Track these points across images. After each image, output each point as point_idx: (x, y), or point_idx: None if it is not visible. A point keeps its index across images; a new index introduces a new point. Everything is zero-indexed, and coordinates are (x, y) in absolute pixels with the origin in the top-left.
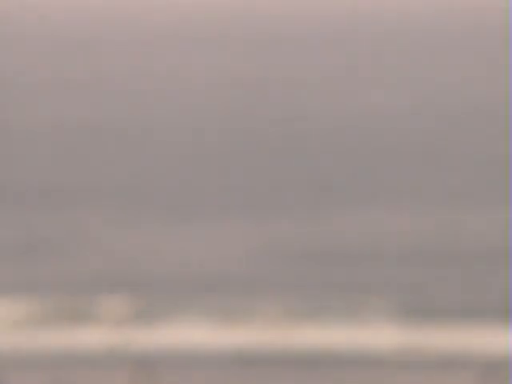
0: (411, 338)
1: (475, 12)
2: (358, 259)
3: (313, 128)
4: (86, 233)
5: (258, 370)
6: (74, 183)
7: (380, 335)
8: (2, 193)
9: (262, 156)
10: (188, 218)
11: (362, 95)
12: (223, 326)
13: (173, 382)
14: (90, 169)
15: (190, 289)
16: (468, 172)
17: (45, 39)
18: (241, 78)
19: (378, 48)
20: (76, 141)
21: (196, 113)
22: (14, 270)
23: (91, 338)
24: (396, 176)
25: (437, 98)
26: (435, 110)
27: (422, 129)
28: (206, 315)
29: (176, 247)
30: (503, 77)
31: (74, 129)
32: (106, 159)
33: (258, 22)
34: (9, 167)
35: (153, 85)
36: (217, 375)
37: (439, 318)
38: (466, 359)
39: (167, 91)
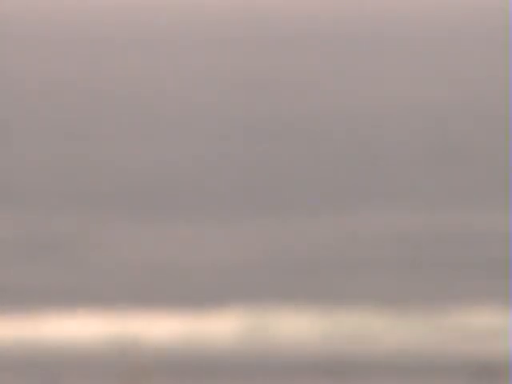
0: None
1: (475, 12)
2: (358, 264)
3: (313, 128)
4: (88, 235)
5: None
6: (77, 184)
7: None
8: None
9: (261, 157)
10: (192, 219)
11: (362, 95)
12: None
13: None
14: (90, 170)
15: (199, 292)
16: (469, 172)
17: (44, 40)
18: (241, 79)
19: (378, 48)
20: (76, 141)
21: (197, 113)
22: (16, 273)
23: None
24: (397, 177)
25: (437, 99)
26: (436, 111)
27: (422, 129)
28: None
29: (185, 249)
30: (503, 77)
31: (74, 130)
32: (106, 160)
33: (258, 23)
34: (9, 168)
35: (153, 85)
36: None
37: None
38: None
39: (168, 91)
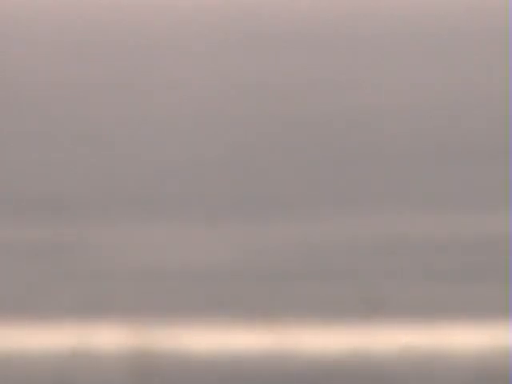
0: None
1: (475, 13)
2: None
3: (313, 128)
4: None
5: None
6: (77, 189)
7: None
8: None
9: (260, 158)
10: (193, 222)
11: (362, 95)
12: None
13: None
14: (91, 174)
15: (196, 297)
16: (468, 173)
17: (44, 40)
18: (240, 79)
19: (378, 48)
20: (76, 144)
21: (197, 113)
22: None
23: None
24: (396, 177)
25: (437, 99)
26: (435, 111)
27: (421, 129)
28: (210, 325)
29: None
30: (504, 78)
31: (74, 132)
32: (106, 163)
33: (258, 24)
34: (8, 172)
35: (153, 86)
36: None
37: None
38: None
39: (167, 92)
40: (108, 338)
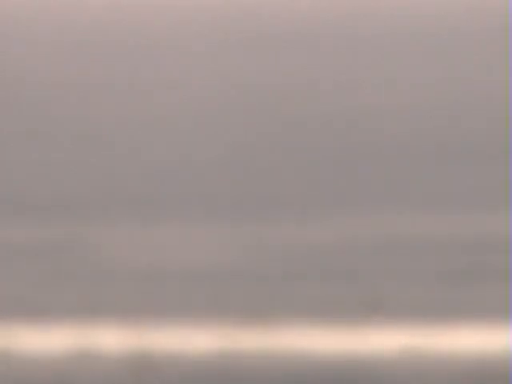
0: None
1: (475, 13)
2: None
3: (313, 128)
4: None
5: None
6: (77, 189)
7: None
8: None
9: (260, 158)
10: (193, 222)
11: (362, 95)
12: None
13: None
14: (91, 174)
15: (193, 301)
16: (468, 173)
17: (44, 40)
18: (241, 79)
19: (378, 48)
20: (76, 144)
21: (197, 113)
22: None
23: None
24: (395, 177)
25: (437, 99)
26: (435, 111)
27: (421, 129)
28: (207, 326)
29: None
30: (504, 78)
31: (74, 132)
32: (106, 163)
33: (258, 24)
34: (8, 172)
35: (153, 86)
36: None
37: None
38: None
39: (167, 92)
40: (108, 338)
